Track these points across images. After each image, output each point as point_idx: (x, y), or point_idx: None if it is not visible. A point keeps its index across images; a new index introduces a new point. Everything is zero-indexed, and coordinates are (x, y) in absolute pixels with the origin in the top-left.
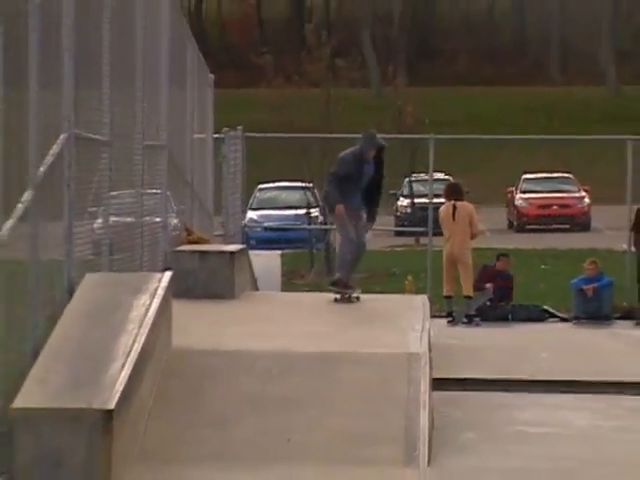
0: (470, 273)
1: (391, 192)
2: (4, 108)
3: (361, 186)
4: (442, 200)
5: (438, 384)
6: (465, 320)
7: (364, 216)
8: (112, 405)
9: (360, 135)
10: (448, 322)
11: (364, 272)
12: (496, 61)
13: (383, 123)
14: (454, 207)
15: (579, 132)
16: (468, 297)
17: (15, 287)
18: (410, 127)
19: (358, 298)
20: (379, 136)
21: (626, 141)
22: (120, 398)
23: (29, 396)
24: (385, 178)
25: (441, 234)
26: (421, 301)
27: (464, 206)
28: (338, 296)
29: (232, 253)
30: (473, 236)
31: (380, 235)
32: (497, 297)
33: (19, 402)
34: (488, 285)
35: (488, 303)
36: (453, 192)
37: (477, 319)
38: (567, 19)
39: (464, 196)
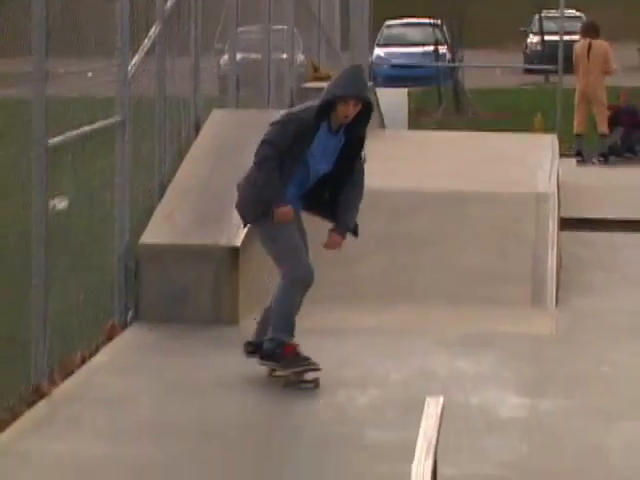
0: (605, 111)
1: (521, 29)
2: None
3: (316, 170)
4: (574, 37)
5: (566, 224)
6: (601, 159)
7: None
8: (239, 242)
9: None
10: (577, 161)
11: (492, 111)
12: None
13: None
14: (589, 45)
15: None
16: (603, 135)
17: (142, 122)
18: None
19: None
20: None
21: None
22: (247, 235)
23: (156, 232)
24: (364, 161)
25: (571, 72)
26: (550, 140)
27: (599, 44)
28: (283, 373)
29: None
30: (607, 74)
31: (509, 73)
32: (627, 138)
33: (147, 238)
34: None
35: (619, 142)
36: (589, 30)
37: (612, 157)
38: None
39: (600, 34)
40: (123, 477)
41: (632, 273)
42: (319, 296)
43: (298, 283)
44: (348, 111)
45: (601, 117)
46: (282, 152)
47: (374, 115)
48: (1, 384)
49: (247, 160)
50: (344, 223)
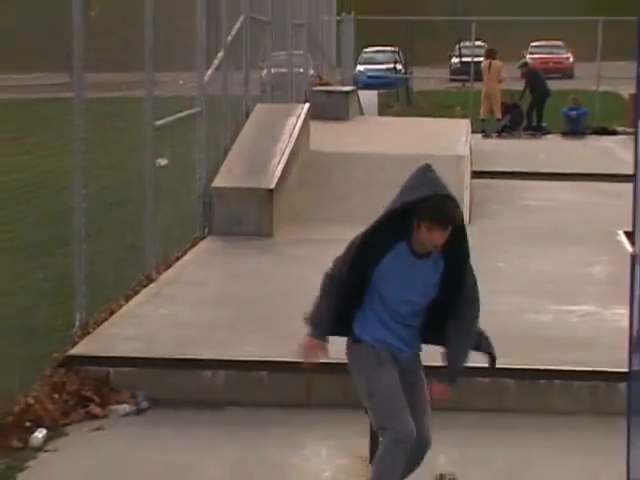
0: (499, 105)
1: (448, 54)
2: (206, 2)
3: (413, 307)
4: (480, 59)
5: (476, 175)
6: (497, 134)
7: (421, 373)
8: (273, 185)
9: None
10: (482, 136)
11: (430, 105)
12: None
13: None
14: (490, 64)
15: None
16: (498, 119)
17: (213, 112)
18: (460, 11)
19: None
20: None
21: (597, 21)
22: (278, 181)
23: (222, 179)
24: (476, 286)
25: (479, 80)
26: (466, 122)
27: (496, 63)
28: None
29: (347, 92)
30: (500, 81)
31: (440, 81)
32: (512, 121)
33: (216, 183)
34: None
35: (507, 124)
36: (491, 53)
37: (504, 133)
38: None
39: (497, 56)
40: (203, 328)
41: (516, 205)
42: (325, 217)
43: (394, 445)
44: (431, 236)
45: (497, 108)
46: (346, 282)
47: (356, 106)
48: (126, 274)
49: (278, 133)
50: (452, 373)
